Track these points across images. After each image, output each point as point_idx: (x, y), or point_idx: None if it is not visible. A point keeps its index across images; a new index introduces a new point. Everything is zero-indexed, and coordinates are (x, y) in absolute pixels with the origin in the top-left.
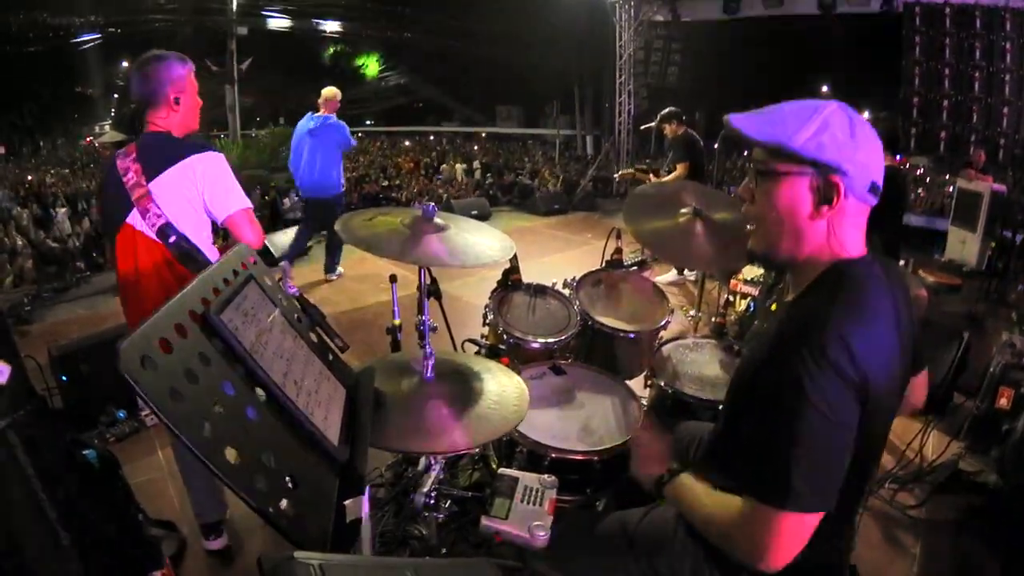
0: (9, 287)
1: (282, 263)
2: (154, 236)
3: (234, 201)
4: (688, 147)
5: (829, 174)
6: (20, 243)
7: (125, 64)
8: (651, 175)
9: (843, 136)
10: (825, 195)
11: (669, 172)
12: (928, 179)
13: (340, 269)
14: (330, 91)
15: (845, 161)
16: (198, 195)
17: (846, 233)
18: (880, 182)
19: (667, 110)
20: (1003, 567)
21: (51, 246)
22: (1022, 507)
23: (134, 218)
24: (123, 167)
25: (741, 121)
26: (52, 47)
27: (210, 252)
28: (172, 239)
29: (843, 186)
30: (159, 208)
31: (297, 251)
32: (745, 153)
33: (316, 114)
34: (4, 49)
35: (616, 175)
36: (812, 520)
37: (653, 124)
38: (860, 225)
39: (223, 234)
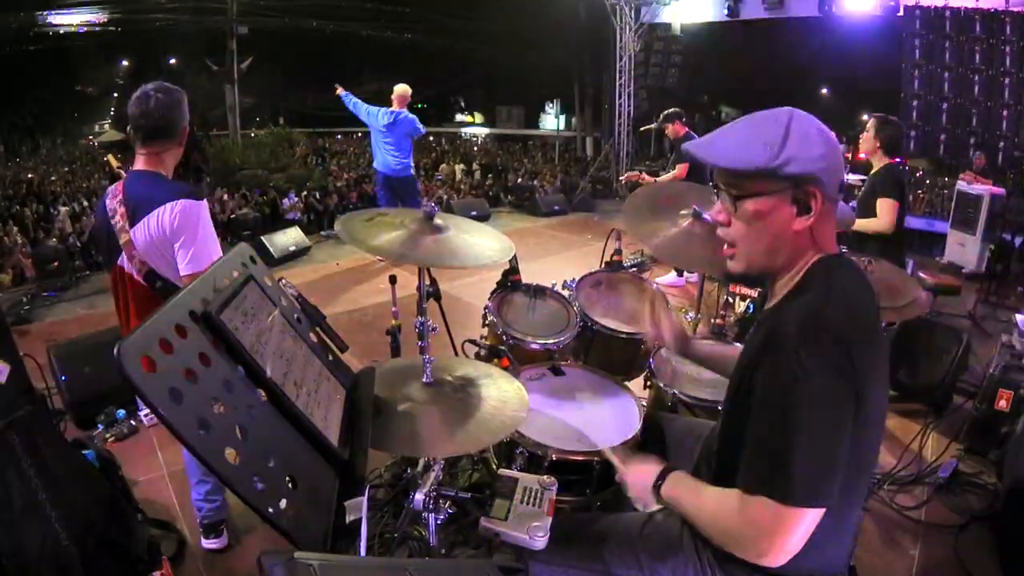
0: (8, 286)
1: None
2: (142, 280)
3: (199, 260)
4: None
5: (806, 185)
6: (19, 242)
7: (125, 63)
8: (653, 178)
9: (810, 143)
10: (804, 205)
11: (672, 170)
12: (928, 182)
13: None
14: (402, 88)
15: (818, 169)
16: (170, 245)
17: (824, 232)
18: (844, 180)
19: (670, 110)
20: (1002, 569)
21: (51, 245)
22: (1021, 509)
23: (123, 261)
24: (111, 208)
25: (705, 150)
26: (52, 46)
27: None
28: (158, 284)
29: (820, 193)
30: (140, 255)
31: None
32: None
33: (390, 109)
34: (4, 48)
35: (622, 177)
36: (814, 516)
37: (653, 126)
38: (833, 223)
39: None
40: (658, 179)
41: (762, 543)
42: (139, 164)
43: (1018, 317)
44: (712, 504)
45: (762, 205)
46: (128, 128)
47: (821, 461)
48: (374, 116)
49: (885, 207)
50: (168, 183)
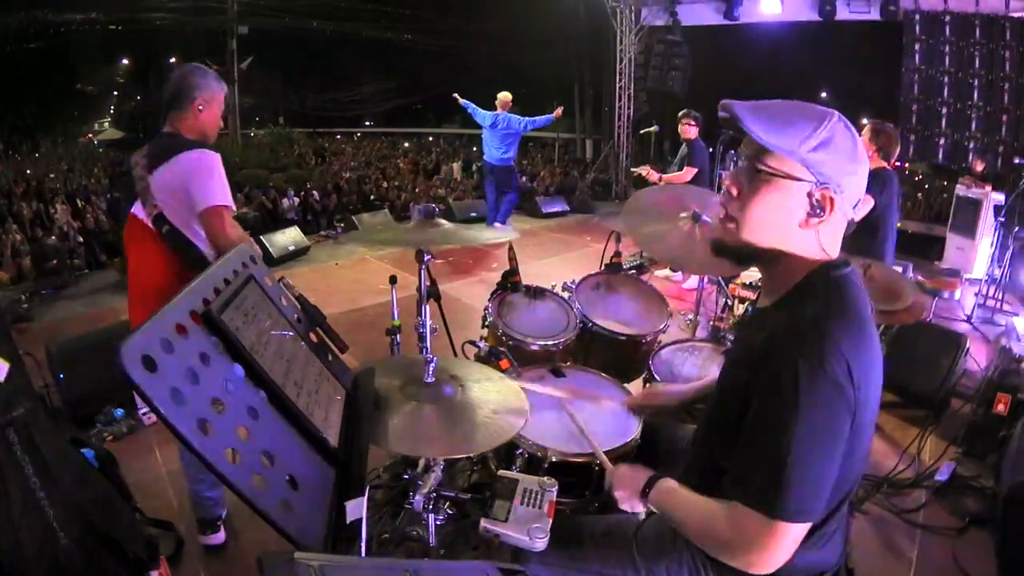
0: (8, 284)
1: (495, 224)
2: (150, 224)
3: (208, 197)
4: (702, 153)
5: (824, 188)
6: (18, 239)
7: (125, 62)
8: (660, 175)
9: (845, 154)
10: (818, 207)
11: (679, 170)
12: (927, 186)
13: (505, 227)
14: (504, 95)
15: (844, 179)
16: (181, 187)
17: (829, 241)
18: (861, 200)
19: (687, 111)
20: (1000, 572)
21: (50, 243)
22: (1019, 513)
23: (137, 208)
24: (135, 160)
25: (745, 114)
26: (53, 45)
27: (201, 244)
28: (165, 228)
29: (836, 201)
30: (154, 198)
31: (506, 214)
32: (724, 148)
33: (495, 112)
34: (4, 47)
35: (634, 170)
36: (802, 529)
37: (653, 128)
38: (840, 234)
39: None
40: (665, 177)
41: (750, 555)
42: (164, 129)
43: (1016, 320)
44: (701, 513)
45: (778, 186)
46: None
47: (814, 479)
48: (482, 118)
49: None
50: (187, 139)
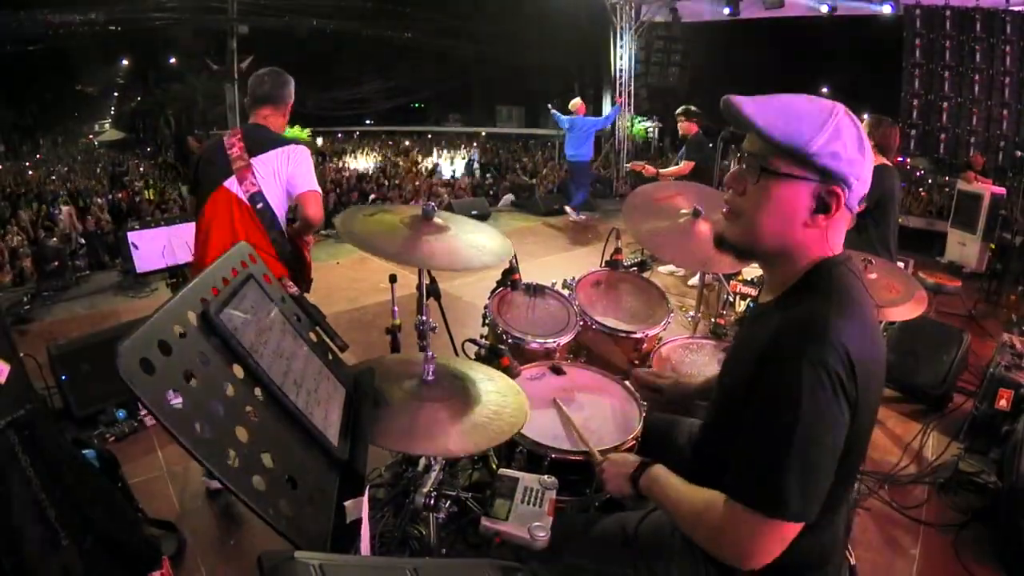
0: (9, 286)
1: (567, 207)
2: (245, 199)
3: (309, 183)
4: (701, 149)
5: (833, 184)
6: (19, 240)
7: (125, 63)
8: (656, 170)
9: (853, 148)
10: (824, 203)
11: (676, 164)
12: (928, 181)
13: (574, 213)
14: (576, 101)
15: (852, 174)
16: (286, 174)
17: (834, 235)
18: (865, 194)
19: (689, 108)
20: (1003, 568)
21: (51, 245)
22: (1021, 508)
23: (231, 183)
24: (229, 143)
25: (749, 107)
26: (53, 46)
27: (283, 221)
28: (259, 205)
29: (843, 197)
30: (255, 178)
31: (578, 203)
32: (725, 144)
33: (571, 116)
34: (4, 48)
35: (628, 165)
36: (797, 527)
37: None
38: (844, 229)
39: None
40: (661, 172)
41: (745, 550)
42: (252, 120)
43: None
44: (692, 503)
45: (783, 186)
46: (245, 99)
47: (811, 480)
48: (561, 121)
49: None
50: (278, 134)
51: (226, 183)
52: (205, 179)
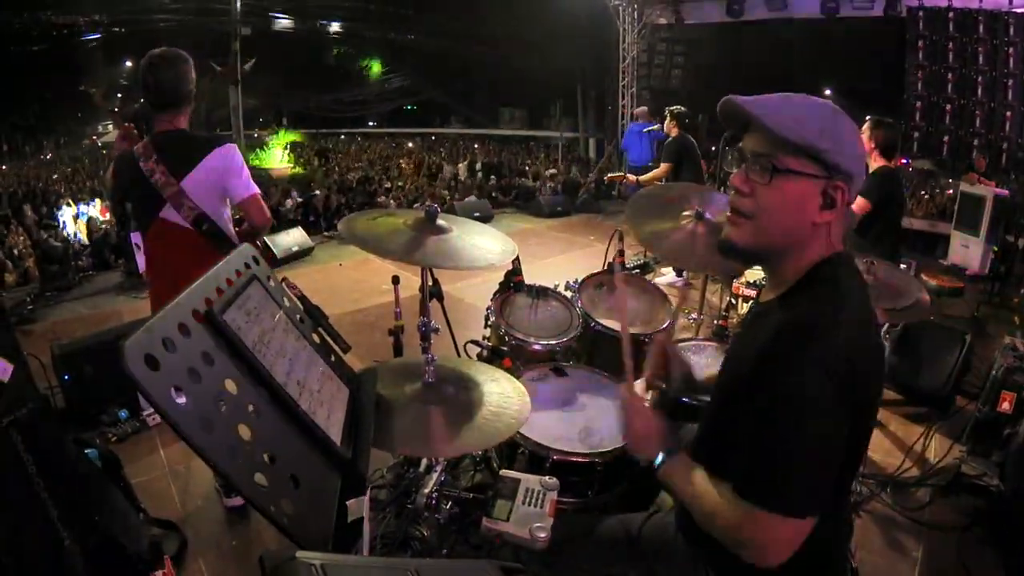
0: (13, 286)
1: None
2: (189, 226)
3: (247, 186)
4: (677, 151)
5: (838, 179)
6: (22, 240)
7: (128, 64)
8: (636, 177)
9: (854, 142)
10: (830, 199)
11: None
12: (931, 182)
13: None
14: (641, 109)
15: (854, 168)
16: (221, 185)
17: (836, 230)
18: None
19: (674, 108)
20: (1005, 570)
21: (54, 245)
22: None
23: (168, 213)
24: (147, 169)
25: (760, 108)
26: (56, 46)
27: (231, 233)
28: (205, 226)
29: (848, 193)
30: (193, 202)
31: None
32: (728, 145)
33: (636, 123)
34: (7, 48)
35: (605, 178)
36: (809, 523)
37: (656, 127)
38: (843, 223)
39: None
40: (640, 179)
41: (761, 549)
42: (161, 127)
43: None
44: (707, 502)
45: (793, 184)
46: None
47: (819, 476)
48: (628, 130)
49: (857, 203)
50: (197, 136)
51: (162, 213)
52: (136, 204)
